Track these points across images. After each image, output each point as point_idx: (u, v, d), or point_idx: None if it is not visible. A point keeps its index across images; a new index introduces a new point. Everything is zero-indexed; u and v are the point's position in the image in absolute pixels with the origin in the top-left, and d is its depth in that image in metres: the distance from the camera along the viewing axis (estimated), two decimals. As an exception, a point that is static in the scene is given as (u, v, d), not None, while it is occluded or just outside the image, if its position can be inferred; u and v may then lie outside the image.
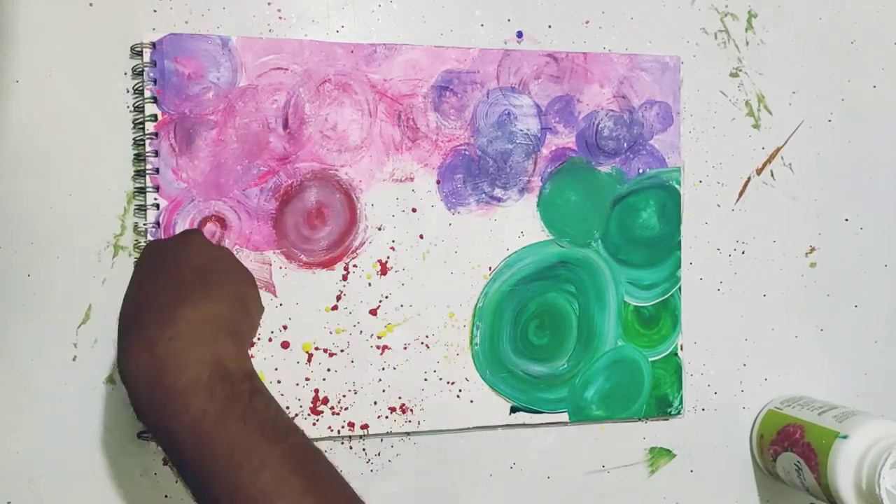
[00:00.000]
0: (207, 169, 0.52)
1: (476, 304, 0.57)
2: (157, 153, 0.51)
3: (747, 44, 0.63)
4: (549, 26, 0.59)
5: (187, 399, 0.36)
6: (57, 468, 0.51)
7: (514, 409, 0.58)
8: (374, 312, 0.55)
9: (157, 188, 0.51)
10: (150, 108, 0.51)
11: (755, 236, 0.63)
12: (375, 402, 0.55)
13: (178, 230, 0.52)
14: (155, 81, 0.51)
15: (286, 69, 0.53)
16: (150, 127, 0.51)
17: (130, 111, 0.52)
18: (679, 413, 0.61)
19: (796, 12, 0.63)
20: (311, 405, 0.54)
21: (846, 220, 0.65)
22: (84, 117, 0.51)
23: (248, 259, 0.53)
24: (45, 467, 0.51)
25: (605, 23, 0.60)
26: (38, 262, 0.51)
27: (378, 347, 0.55)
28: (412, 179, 0.56)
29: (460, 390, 0.57)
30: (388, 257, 0.56)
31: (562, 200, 0.58)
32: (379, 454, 0.56)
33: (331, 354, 0.55)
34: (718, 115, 0.62)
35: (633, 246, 0.60)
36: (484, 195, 0.57)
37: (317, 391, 0.54)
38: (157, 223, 0.51)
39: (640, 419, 0.60)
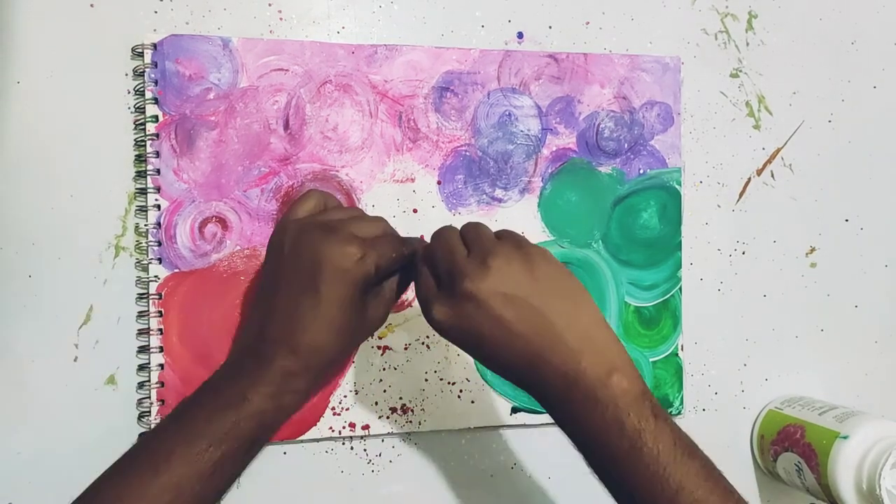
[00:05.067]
0: (208, 170, 0.52)
1: (477, 305, 0.57)
2: (158, 154, 0.51)
3: (748, 44, 0.63)
4: (550, 27, 0.59)
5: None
6: (58, 469, 0.51)
7: (514, 410, 0.58)
8: (374, 313, 0.55)
9: (158, 189, 0.51)
10: (151, 109, 0.51)
11: (755, 236, 0.63)
12: (376, 403, 0.55)
13: (179, 231, 0.52)
14: (156, 82, 0.51)
15: (287, 70, 0.53)
16: (151, 128, 0.51)
17: (131, 112, 0.52)
18: (680, 413, 0.61)
19: (796, 13, 0.63)
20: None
21: (846, 220, 0.65)
22: (85, 118, 0.51)
23: (249, 258, 0.53)
24: (46, 468, 0.51)
25: (605, 23, 0.60)
26: (40, 262, 0.51)
27: (379, 348, 0.55)
28: (413, 180, 0.56)
29: (461, 391, 0.57)
30: (388, 258, 0.55)
31: (562, 201, 0.58)
32: (380, 454, 0.56)
33: (332, 355, 0.55)
34: (719, 116, 0.62)
35: (633, 246, 0.60)
36: (485, 196, 0.57)
37: (318, 392, 0.54)
38: (158, 224, 0.51)
39: (640, 419, 0.60)
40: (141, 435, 0.52)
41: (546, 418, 0.58)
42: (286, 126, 0.54)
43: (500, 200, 0.57)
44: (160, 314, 0.51)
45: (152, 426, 0.51)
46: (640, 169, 0.60)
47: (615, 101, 0.59)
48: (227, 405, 0.42)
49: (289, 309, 0.44)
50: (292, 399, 0.44)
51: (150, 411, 0.51)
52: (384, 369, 0.56)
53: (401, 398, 0.56)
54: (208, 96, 0.52)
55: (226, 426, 0.41)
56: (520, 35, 0.58)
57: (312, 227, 0.45)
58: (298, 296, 0.44)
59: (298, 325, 0.43)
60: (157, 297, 0.51)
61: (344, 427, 0.55)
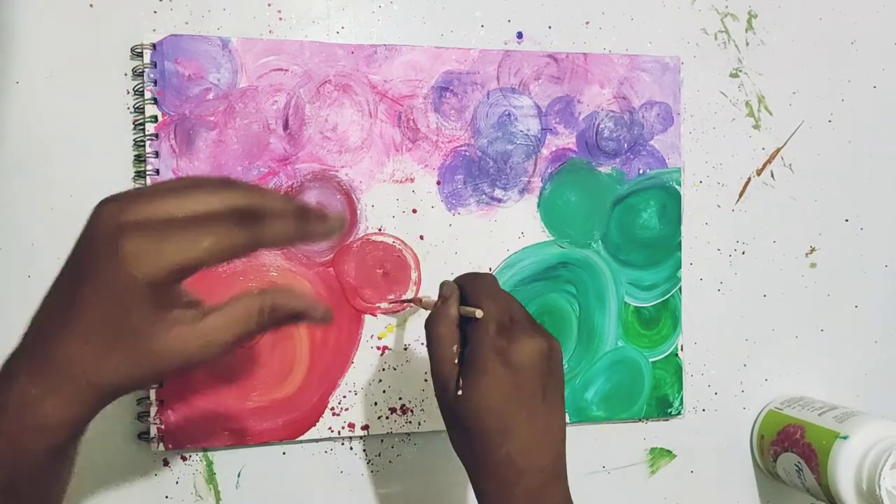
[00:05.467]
0: (208, 170, 0.52)
1: (476, 305, 0.57)
2: (157, 154, 0.51)
3: (747, 44, 0.63)
4: (550, 27, 0.59)
5: None
6: (58, 469, 0.51)
7: (514, 410, 0.58)
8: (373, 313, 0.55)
9: (157, 189, 0.51)
10: (151, 110, 0.51)
11: (755, 236, 0.63)
12: (376, 403, 0.55)
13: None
14: (155, 83, 0.51)
15: (286, 70, 0.53)
16: (150, 128, 0.51)
17: (131, 112, 0.52)
18: (679, 413, 0.61)
19: (796, 12, 0.63)
20: (312, 406, 0.54)
21: (846, 220, 0.65)
22: (84, 118, 0.51)
23: (248, 259, 0.53)
24: (46, 468, 0.51)
25: (605, 23, 0.60)
26: (39, 263, 0.50)
27: (378, 348, 0.55)
28: (412, 180, 0.56)
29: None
30: (388, 258, 0.56)
31: (562, 201, 0.58)
32: (379, 455, 0.56)
33: (331, 355, 0.55)
34: (718, 116, 0.62)
35: (633, 246, 0.60)
36: (484, 196, 0.57)
37: (317, 392, 0.54)
38: (158, 224, 0.51)
39: (640, 420, 0.61)
40: (139, 435, 0.52)
41: (546, 418, 0.58)
42: (285, 126, 0.54)
43: (499, 200, 0.57)
44: (160, 314, 0.51)
45: (150, 426, 0.51)
46: (639, 169, 0.60)
47: (615, 101, 0.59)
48: None
49: (47, 306, 0.33)
50: (40, 441, 0.31)
51: (148, 412, 0.51)
52: (384, 369, 0.56)
53: (400, 398, 0.56)
54: (208, 96, 0.52)
55: None
56: (519, 35, 0.58)
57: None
58: (59, 291, 0.32)
59: (47, 330, 0.31)
60: (156, 297, 0.51)
61: (343, 427, 0.55)
